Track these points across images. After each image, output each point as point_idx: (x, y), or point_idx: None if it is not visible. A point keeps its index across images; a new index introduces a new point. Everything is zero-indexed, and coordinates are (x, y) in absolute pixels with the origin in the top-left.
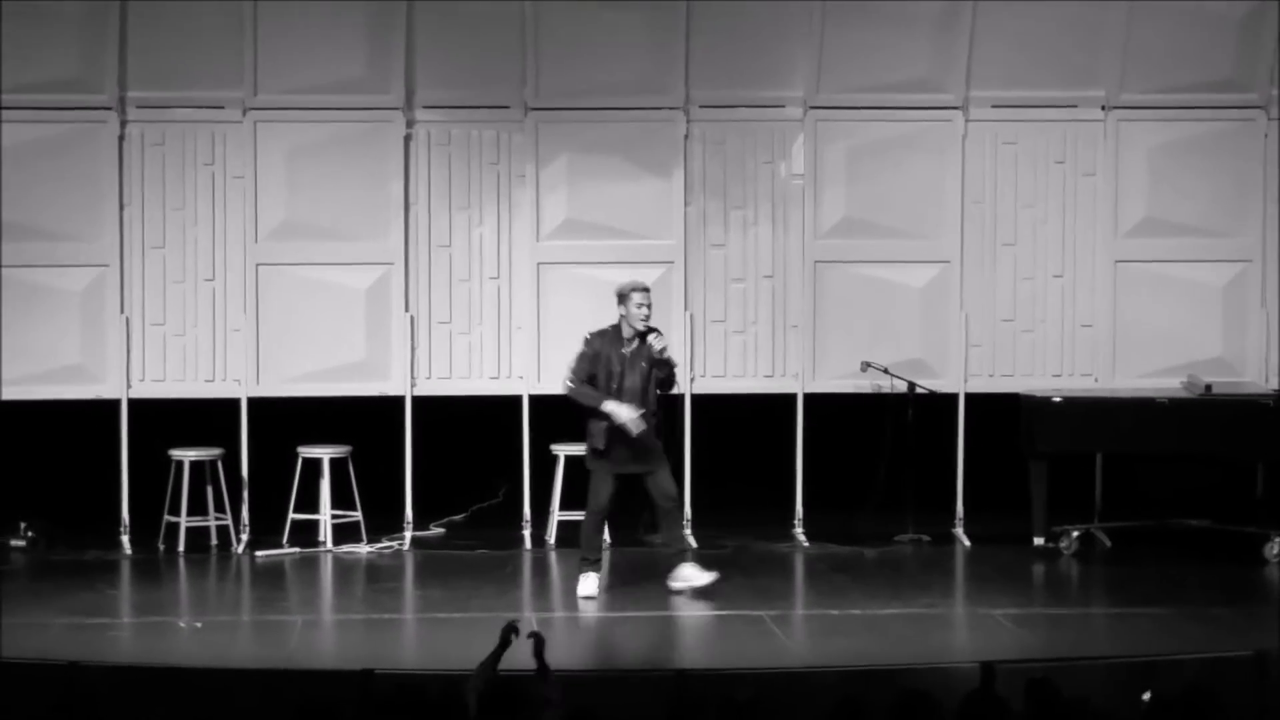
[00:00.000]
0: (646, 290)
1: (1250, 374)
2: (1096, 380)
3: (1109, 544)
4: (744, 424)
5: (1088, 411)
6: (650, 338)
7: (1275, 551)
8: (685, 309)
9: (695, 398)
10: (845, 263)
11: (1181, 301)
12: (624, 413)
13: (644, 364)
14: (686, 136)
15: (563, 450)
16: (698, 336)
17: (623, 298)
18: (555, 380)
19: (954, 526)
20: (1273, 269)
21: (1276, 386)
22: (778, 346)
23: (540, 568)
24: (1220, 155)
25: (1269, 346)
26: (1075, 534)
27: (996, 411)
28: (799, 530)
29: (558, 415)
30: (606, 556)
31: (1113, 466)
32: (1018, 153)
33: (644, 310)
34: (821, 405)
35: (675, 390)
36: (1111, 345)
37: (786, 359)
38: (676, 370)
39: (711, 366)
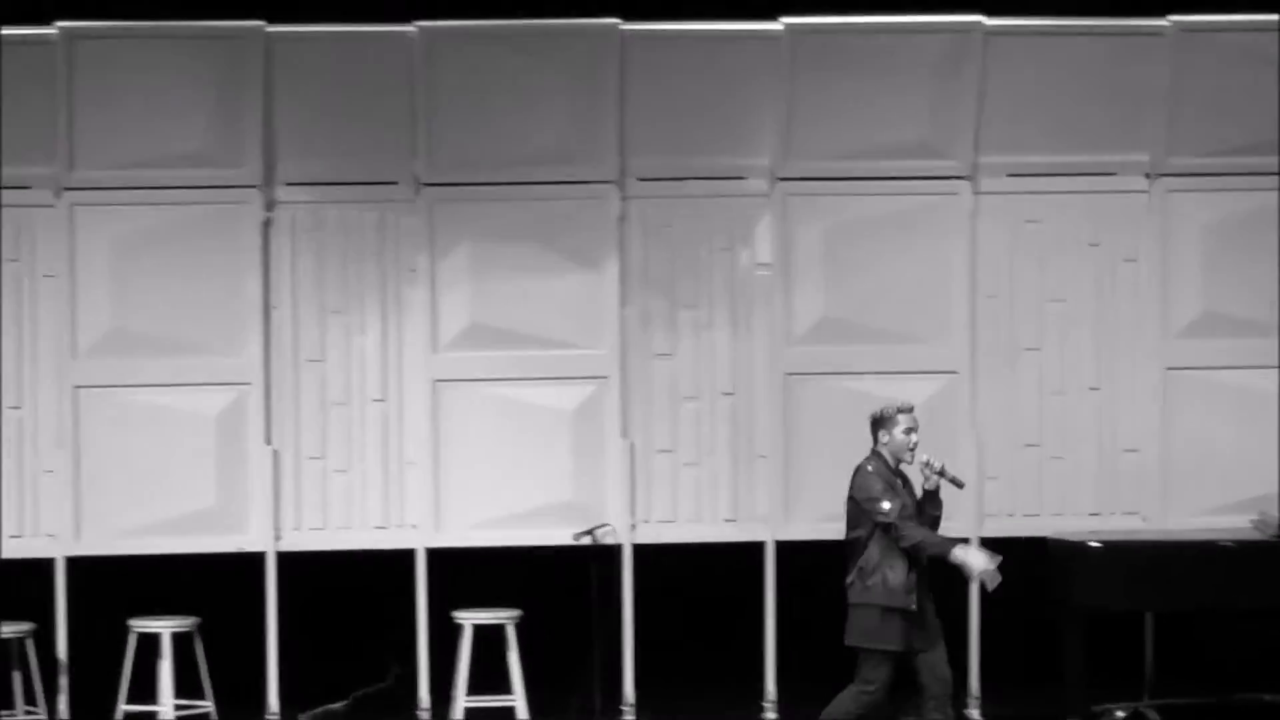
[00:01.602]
0: (913, 410)
1: None
2: (1144, 519)
3: None
4: (699, 579)
5: (1134, 559)
6: (923, 459)
7: None
8: (623, 435)
9: (637, 549)
10: (825, 374)
11: (1249, 418)
12: (980, 562)
13: (914, 500)
14: (622, 218)
15: (469, 618)
16: (639, 470)
17: (883, 422)
18: (459, 527)
19: (968, 707)
20: None
21: None
22: (741, 482)
23: None
24: None
25: None
26: (1120, 715)
27: (1020, 560)
28: (770, 708)
29: (462, 572)
30: None
31: (1166, 628)
32: (1042, 233)
33: (915, 436)
34: (799, 554)
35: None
36: (1162, 475)
37: (754, 497)
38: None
39: (658, 509)
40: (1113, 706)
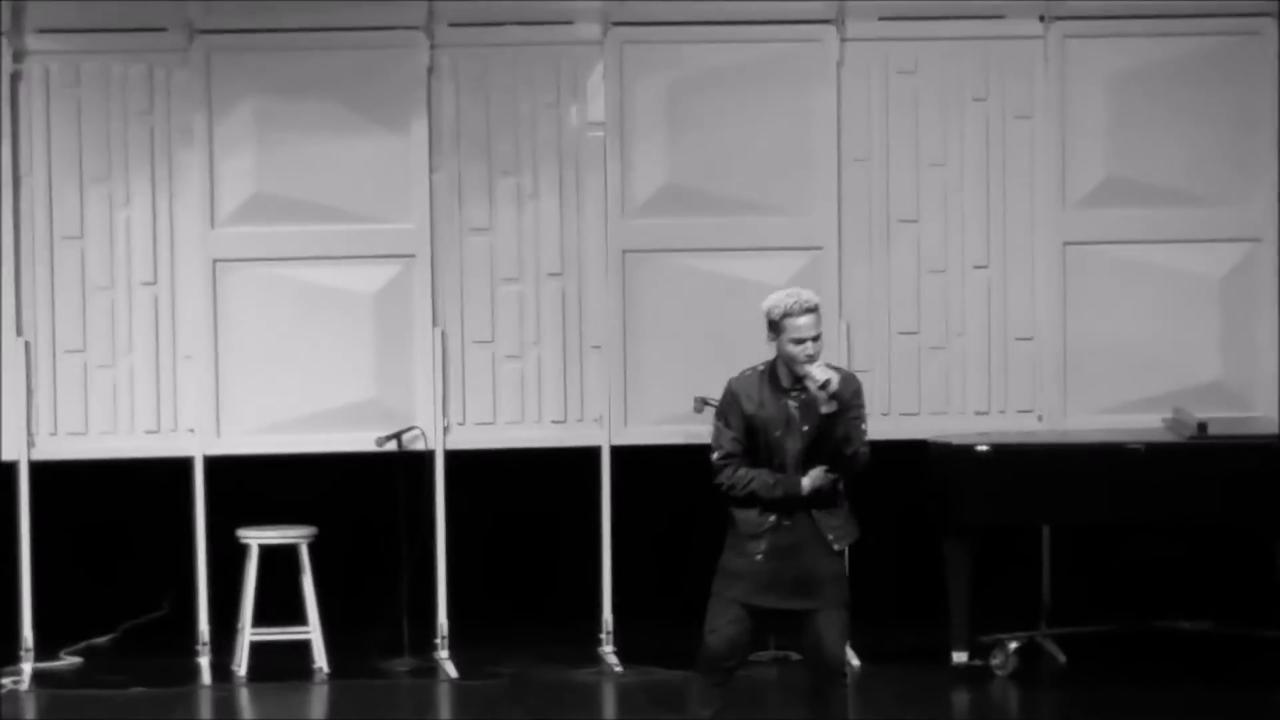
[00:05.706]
0: (814, 311)
1: (1262, 405)
2: (1041, 419)
3: (1063, 659)
4: (522, 492)
5: (1029, 464)
6: (813, 377)
7: None
8: (434, 324)
9: (450, 455)
10: (668, 252)
11: (1163, 301)
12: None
13: (811, 425)
14: (431, 70)
15: (255, 537)
16: (453, 364)
17: (771, 325)
18: (242, 432)
19: None
20: None
21: None
22: (572, 378)
23: (225, 712)
24: (1213, 86)
25: None
26: (1013, 645)
27: (895, 467)
28: (608, 649)
29: (247, 484)
30: None
31: (1067, 545)
32: (919, 86)
33: (806, 346)
34: (640, 462)
35: (858, 464)
36: (1061, 367)
37: (585, 396)
38: (865, 427)
39: (475, 409)
40: (1004, 637)
